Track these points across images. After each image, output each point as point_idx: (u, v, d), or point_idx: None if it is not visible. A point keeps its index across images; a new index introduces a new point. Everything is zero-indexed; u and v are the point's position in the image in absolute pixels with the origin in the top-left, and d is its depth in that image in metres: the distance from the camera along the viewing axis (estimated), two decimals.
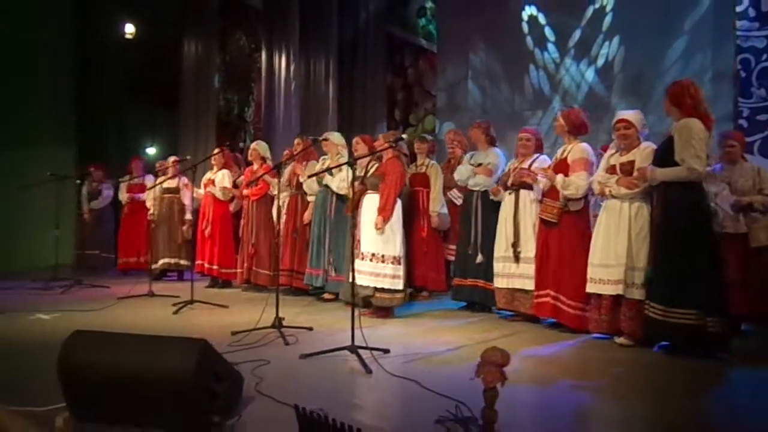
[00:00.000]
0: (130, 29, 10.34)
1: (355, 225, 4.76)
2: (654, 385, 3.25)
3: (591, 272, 4.21)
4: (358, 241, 4.85)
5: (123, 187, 8.18)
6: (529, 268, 4.77)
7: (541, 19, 8.11)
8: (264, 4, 9.93)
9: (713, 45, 6.52)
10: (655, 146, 4.09)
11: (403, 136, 5.08)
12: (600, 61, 7.62)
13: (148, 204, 7.54)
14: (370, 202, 4.92)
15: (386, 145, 4.71)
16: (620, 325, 4.06)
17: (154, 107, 10.81)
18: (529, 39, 8.22)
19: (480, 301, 5.23)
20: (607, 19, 7.44)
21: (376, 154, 4.87)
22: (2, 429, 2.21)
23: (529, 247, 4.80)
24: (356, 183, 4.97)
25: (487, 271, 5.11)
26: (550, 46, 8.03)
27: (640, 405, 2.89)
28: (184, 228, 7.14)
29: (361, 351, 3.47)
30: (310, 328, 4.38)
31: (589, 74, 7.76)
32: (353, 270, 3.94)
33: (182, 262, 7.25)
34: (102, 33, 10.16)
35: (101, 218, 8.45)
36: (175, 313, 5.09)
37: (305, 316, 4.95)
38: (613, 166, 4.27)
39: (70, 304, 5.44)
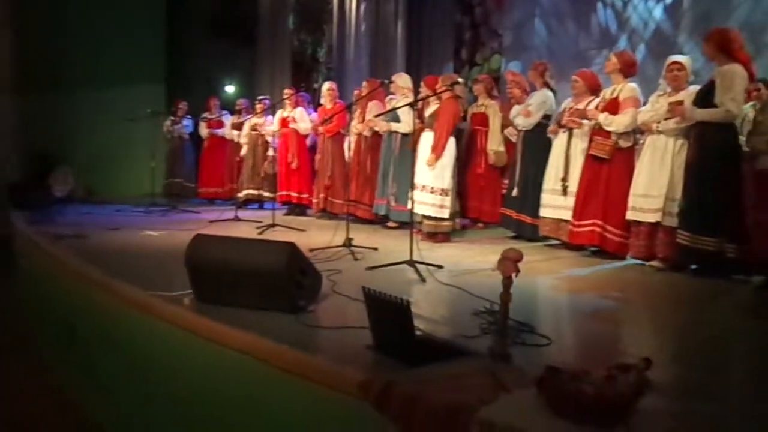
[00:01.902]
0: None
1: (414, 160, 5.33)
2: (667, 297, 3.81)
3: (633, 201, 4.60)
4: (415, 173, 5.42)
5: (203, 123, 9.01)
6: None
7: None
8: None
9: None
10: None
11: (459, 79, 5.51)
12: None
13: (243, 141, 8.30)
14: (426, 140, 5.49)
15: (443, 87, 5.19)
16: (656, 251, 4.49)
17: (233, 48, 11.44)
18: None
19: (515, 230, 5.77)
20: None
21: (431, 96, 5.36)
22: None
23: (575, 182, 5.19)
24: (417, 121, 5.50)
25: (522, 204, 5.63)
26: None
27: (648, 310, 3.45)
28: (266, 163, 7.88)
29: (418, 266, 4.09)
30: (376, 249, 4.99)
31: (657, 12, 7.74)
32: (412, 198, 4.53)
33: (265, 193, 8.04)
34: None
35: (183, 149, 9.29)
36: (260, 234, 5.83)
37: (372, 239, 5.59)
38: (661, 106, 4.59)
39: (171, 225, 6.29)
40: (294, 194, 7.56)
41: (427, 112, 5.59)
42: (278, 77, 10.77)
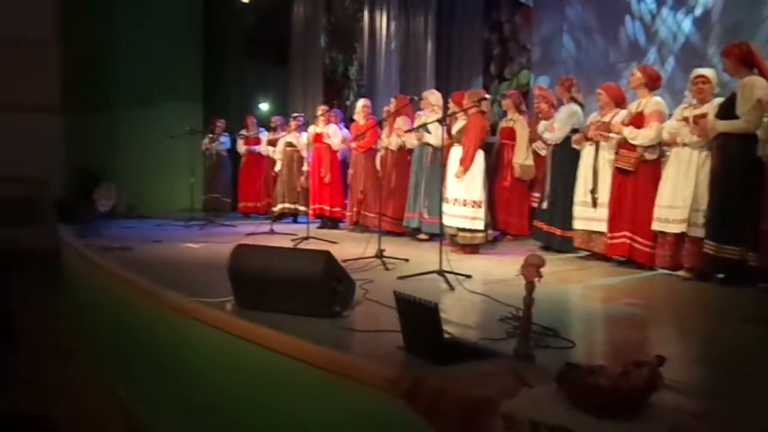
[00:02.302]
0: None
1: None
2: (693, 305, 3.91)
3: (658, 212, 4.69)
4: (446, 187, 5.58)
5: (240, 140, 9.35)
6: (605, 213, 5.24)
7: None
8: None
9: None
10: None
11: (486, 96, 5.67)
12: (698, 11, 7.61)
13: (277, 157, 8.61)
14: (456, 154, 5.65)
15: (469, 103, 5.37)
16: (682, 261, 4.57)
17: (267, 66, 11.78)
18: None
19: (545, 242, 5.86)
20: None
21: (459, 112, 5.55)
22: None
23: (605, 194, 5.28)
24: (445, 137, 5.68)
25: (552, 217, 5.74)
26: None
27: (673, 318, 3.56)
28: (302, 178, 8.14)
29: (447, 275, 4.24)
30: (407, 260, 5.14)
31: (686, 24, 7.75)
32: (441, 211, 4.69)
33: (300, 207, 8.29)
34: None
35: (221, 165, 9.64)
36: (295, 246, 6.04)
37: (403, 251, 5.74)
38: (686, 118, 4.67)
39: (210, 238, 6.57)
40: (326, 207, 7.80)
41: (455, 128, 5.76)
42: (311, 94, 11.05)
